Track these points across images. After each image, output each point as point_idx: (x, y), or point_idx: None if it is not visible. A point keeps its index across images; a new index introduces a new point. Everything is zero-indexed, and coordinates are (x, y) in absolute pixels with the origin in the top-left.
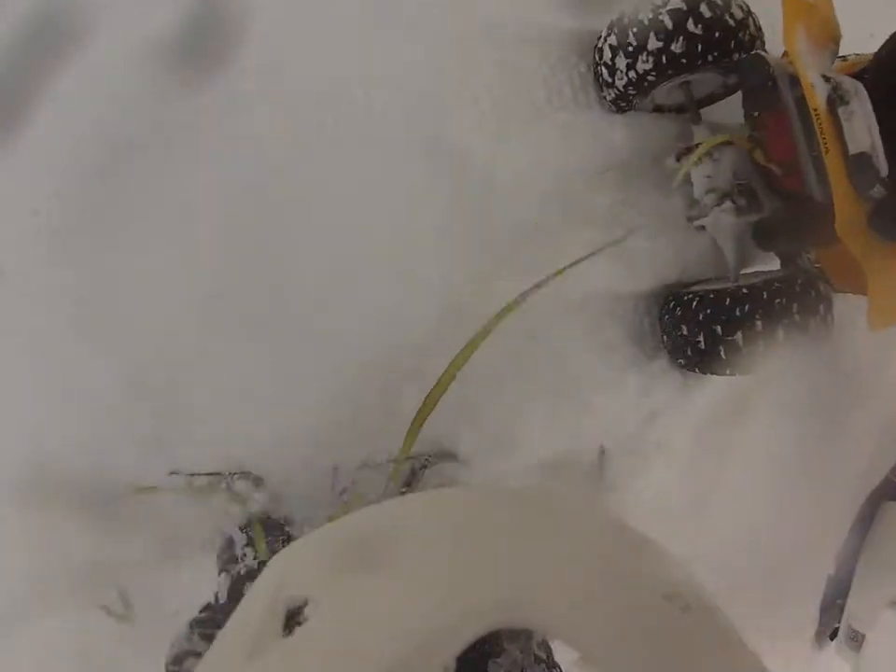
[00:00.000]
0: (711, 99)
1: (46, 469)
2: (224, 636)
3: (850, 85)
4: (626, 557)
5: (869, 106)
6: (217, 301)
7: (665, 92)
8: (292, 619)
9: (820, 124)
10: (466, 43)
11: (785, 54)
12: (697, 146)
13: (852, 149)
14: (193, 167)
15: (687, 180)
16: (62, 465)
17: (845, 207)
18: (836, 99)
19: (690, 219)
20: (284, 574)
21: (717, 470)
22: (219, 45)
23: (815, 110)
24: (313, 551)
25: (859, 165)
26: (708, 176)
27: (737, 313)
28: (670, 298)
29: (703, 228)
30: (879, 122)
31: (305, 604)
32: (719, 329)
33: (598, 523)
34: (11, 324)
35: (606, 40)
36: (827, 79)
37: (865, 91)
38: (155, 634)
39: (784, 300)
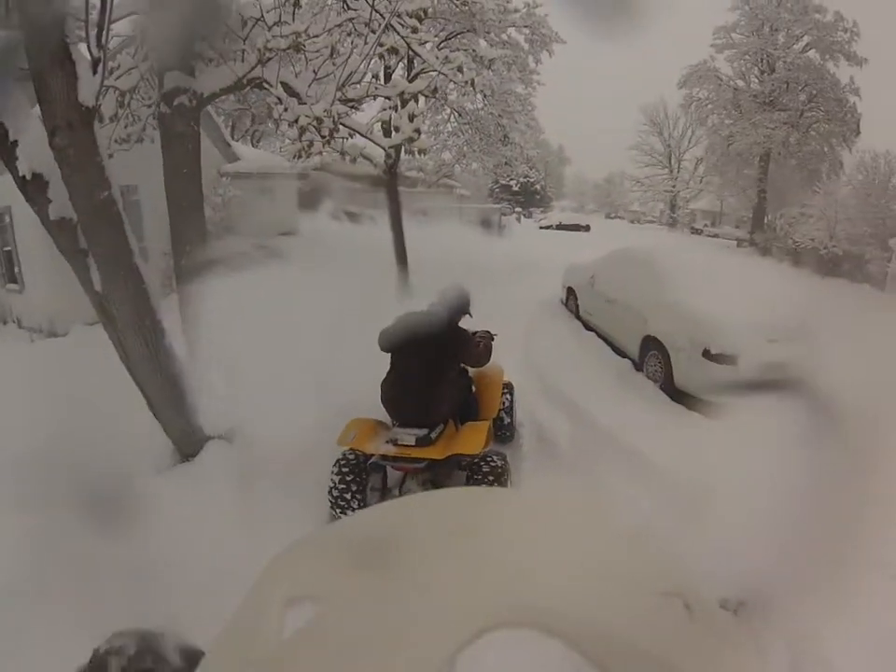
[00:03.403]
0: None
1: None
2: (224, 636)
3: (392, 433)
4: (626, 557)
5: (401, 429)
6: None
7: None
8: (293, 619)
9: (399, 454)
10: None
11: None
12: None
13: (412, 443)
14: None
15: None
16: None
17: (433, 451)
18: (394, 441)
19: None
20: (284, 574)
21: None
22: None
23: (392, 454)
24: (314, 551)
25: (420, 441)
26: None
27: None
28: None
29: None
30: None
31: (306, 604)
32: None
33: (598, 524)
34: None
35: (337, 512)
36: (387, 441)
37: (397, 428)
38: None
39: None
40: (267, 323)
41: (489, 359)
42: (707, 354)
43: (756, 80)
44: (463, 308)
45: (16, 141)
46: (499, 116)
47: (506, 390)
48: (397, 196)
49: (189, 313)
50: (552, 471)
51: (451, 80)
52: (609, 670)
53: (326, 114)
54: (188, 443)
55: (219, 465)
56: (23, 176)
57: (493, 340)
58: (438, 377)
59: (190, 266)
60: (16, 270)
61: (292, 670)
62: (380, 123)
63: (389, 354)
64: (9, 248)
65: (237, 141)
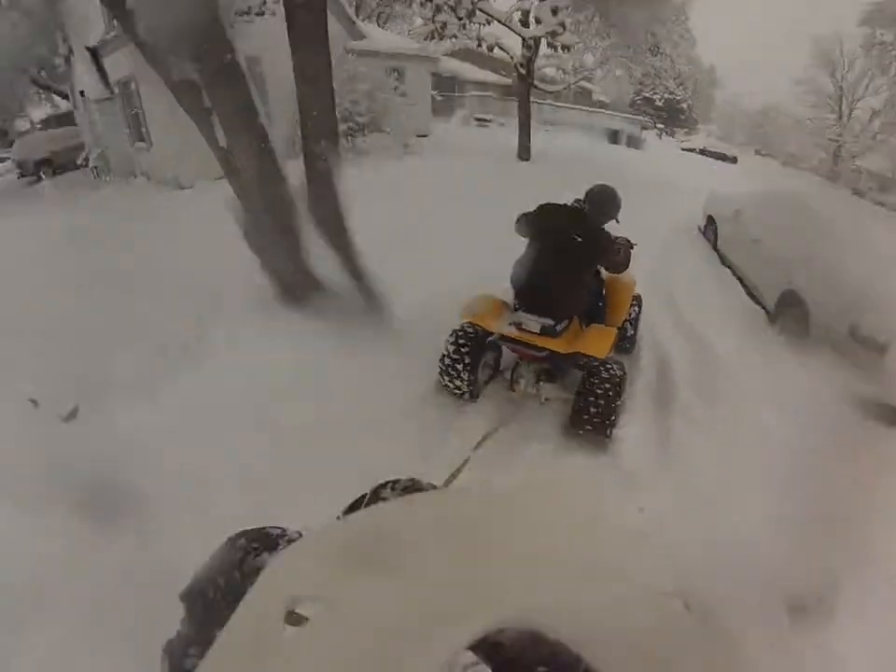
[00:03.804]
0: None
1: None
2: (224, 636)
3: (517, 316)
4: (625, 557)
5: (527, 315)
6: None
7: (481, 377)
8: (293, 619)
9: (521, 338)
10: None
11: None
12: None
13: (536, 330)
14: None
15: None
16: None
17: (556, 343)
18: (517, 325)
19: None
20: (285, 574)
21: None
22: None
23: (515, 336)
24: (314, 551)
25: (545, 330)
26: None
27: None
28: None
29: None
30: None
31: (306, 604)
32: None
33: (598, 523)
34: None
35: (444, 379)
36: (510, 323)
37: (522, 313)
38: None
39: None
40: (398, 201)
41: (627, 267)
42: (854, 332)
43: None
44: (611, 212)
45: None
46: (650, 21)
47: (635, 302)
48: (528, 101)
49: (314, 176)
50: (662, 393)
51: None
52: (608, 670)
53: None
54: (295, 292)
55: (326, 316)
56: (144, 42)
57: (632, 249)
58: (574, 273)
59: (317, 134)
60: (143, 130)
61: (292, 670)
62: (519, 13)
63: (527, 238)
64: (136, 111)
65: (363, 22)
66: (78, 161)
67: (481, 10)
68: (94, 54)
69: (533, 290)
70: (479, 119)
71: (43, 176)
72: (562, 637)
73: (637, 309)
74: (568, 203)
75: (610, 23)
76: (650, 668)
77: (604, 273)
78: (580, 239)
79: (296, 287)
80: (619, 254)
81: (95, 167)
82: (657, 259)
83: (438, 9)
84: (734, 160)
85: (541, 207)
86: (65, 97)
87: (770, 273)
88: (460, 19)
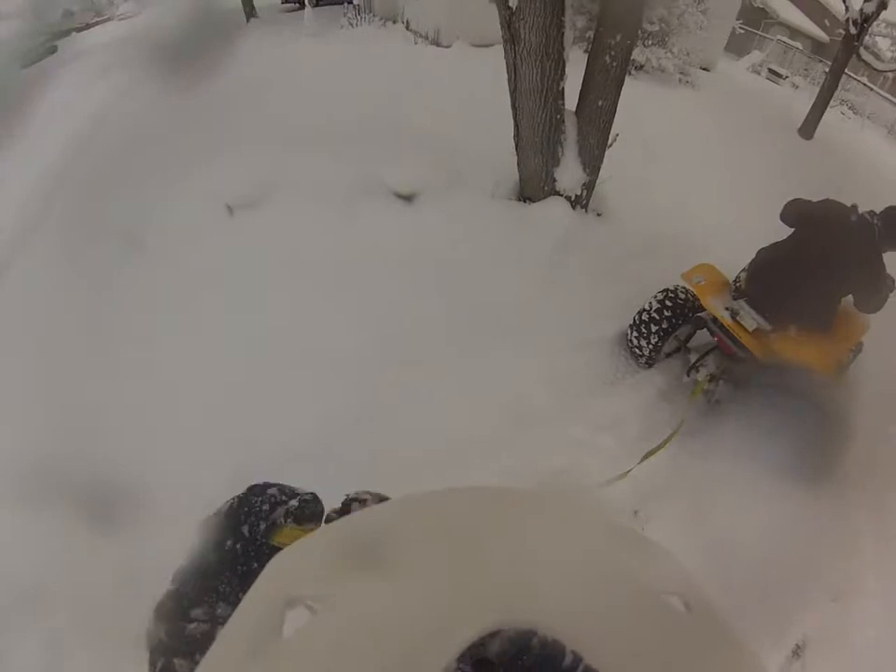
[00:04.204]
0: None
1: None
2: (224, 636)
3: (737, 305)
4: (625, 556)
5: (748, 308)
6: None
7: (665, 347)
8: (293, 619)
9: (730, 328)
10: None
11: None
12: (698, 366)
13: (749, 327)
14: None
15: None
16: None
17: (759, 347)
18: (733, 314)
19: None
20: (284, 574)
21: None
22: None
23: (726, 324)
24: (314, 551)
25: (756, 334)
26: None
27: None
28: None
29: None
30: (755, 310)
31: (306, 604)
32: None
33: (597, 522)
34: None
35: (631, 333)
36: (727, 308)
37: (745, 303)
38: None
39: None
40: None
41: (879, 310)
42: None
43: None
44: None
45: None
46: None
47: (855, 347)
48: (842, 70)
49: (597, 69)
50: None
51: None
52: (608, 670)
53: None
54: (533, 188)
55: (558, 219)
56: None
57: (892, 292)
58: (828, 291)
59: (616, 25)
60: None
61: (292, 670)
62: None
63: (792, 227)
64: None
65: None
66: None
67: None
68: None
69: (769, 287)
70: (772, 71)
71: (306, 4)
72: (562, 638)
73: (852, 356)
74: (858, 211)
75: None
76: (650, 668)
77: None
78: (855, 257)
79: (537, 190)
80: (880, 293)
81: (358, 4)
82: None
83: None
84: None
85: (828, 202)
86: None
87: None
88: None
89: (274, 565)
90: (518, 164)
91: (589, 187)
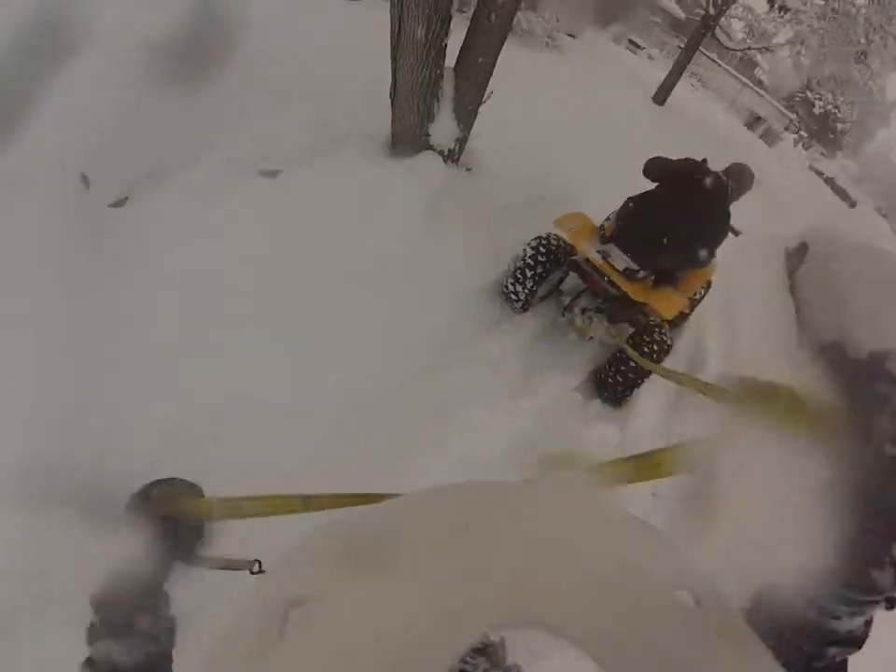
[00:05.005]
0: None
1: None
2: (224, 636)
3: (608, 248)
4: (633, 551)
5: (618, 251)
6: None
7: (539, 292)
8: (293, 619)
9: (602, 268)
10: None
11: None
12: (572, 306)
13: (620, 268)
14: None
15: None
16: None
17: (630, 287)
18: (604, 255)
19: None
20: (285, 574)
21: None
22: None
23: (598, 264)
24: (314, 551)
25: (627, 272)
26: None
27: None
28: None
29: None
30: (624, 252)
31: (307, 604)
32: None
33: (602, 514)
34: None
35: (507, 280)
36: (598, 251)
37: (614, 246)
38: None
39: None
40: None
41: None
42: None
43: None
44: (739, 197)
45: None
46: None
47: (705, 286)
48: (697, 46)
49: (478, 31)
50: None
51: None
52: (615, 667)
53: None
54: (406, 144)
55: (432, 173)
56: None
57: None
58: (689, 237)
59: None
60: None
61: (292, 670)
62: None
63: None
64: None
65: None
66: None
67: None
68: None
69: (637, 232)
70: (632, 42)
71: None
72: (566, 637)
73: (703, 292)
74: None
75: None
76: (658, 665)
77: None
78: (710, 210)
79: (409, 145)
80: (723, 236)
81: None
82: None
83: None
84: (853, 204)
85: (688, 160)
86: None
87: None
88: None
89: (275, 565)
90: (392, 120)
91: (462, 142)
